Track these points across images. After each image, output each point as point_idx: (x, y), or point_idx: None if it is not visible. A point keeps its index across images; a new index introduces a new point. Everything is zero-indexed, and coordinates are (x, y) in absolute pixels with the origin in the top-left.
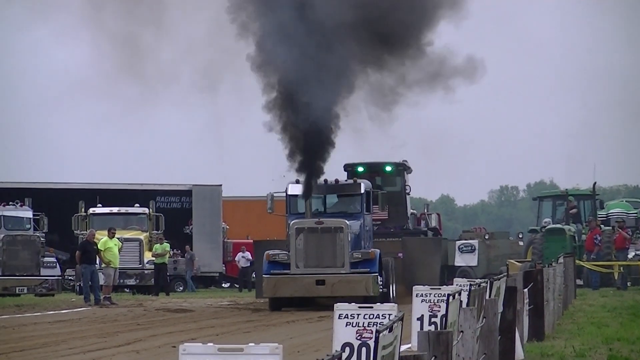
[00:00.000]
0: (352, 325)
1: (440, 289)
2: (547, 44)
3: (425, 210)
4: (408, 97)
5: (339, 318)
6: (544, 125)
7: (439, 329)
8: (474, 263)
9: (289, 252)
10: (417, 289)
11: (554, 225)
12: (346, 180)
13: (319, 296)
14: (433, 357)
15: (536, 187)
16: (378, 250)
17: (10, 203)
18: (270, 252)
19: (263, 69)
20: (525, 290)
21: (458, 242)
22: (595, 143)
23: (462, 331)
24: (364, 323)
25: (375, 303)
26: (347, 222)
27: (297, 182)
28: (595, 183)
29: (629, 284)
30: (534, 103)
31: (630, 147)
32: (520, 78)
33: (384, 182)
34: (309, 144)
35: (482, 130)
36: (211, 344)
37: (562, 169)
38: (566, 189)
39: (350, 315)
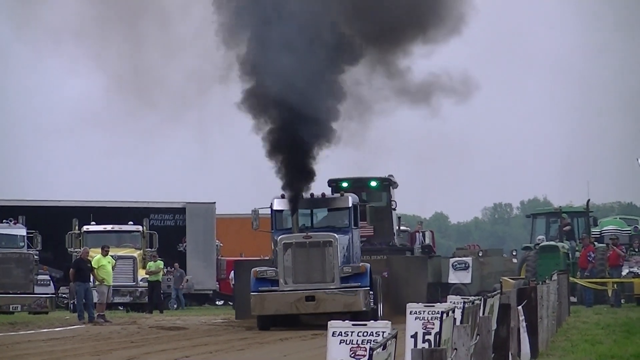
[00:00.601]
0: (345, 343)
1: (434, 306)
2: (541, 62)
3: (419, 228)
4: (395, 112)
5: (332, 335)
6: (538, 143)
7: (432, 346)
8: (468, 280)
9: (276, 268)
10: (411, 307)
11: (547, 243)
12: (333, 194)
13: (309, 313)
14: None
15: (530, 204)
16: (368, 265)
17: (4, 221)
18: (258, 268)
19: (251, 87)
20: (519, 307)
21: (452, 260)
22: (589, 160)
23: (455, 349)
24: (357, 340)
25: (368, 319)
26: (336, 236)
27: (283, 196)
28: (589, 200)
29: (622, 301)
30: (527, 120)
31: (623, 164)
32: (513, 95)
33: (369, 197)
34: (294, 157)
35: (476, 148)
36: None
37: (556, 186)
38: (560, 206)
39: (344, 333)
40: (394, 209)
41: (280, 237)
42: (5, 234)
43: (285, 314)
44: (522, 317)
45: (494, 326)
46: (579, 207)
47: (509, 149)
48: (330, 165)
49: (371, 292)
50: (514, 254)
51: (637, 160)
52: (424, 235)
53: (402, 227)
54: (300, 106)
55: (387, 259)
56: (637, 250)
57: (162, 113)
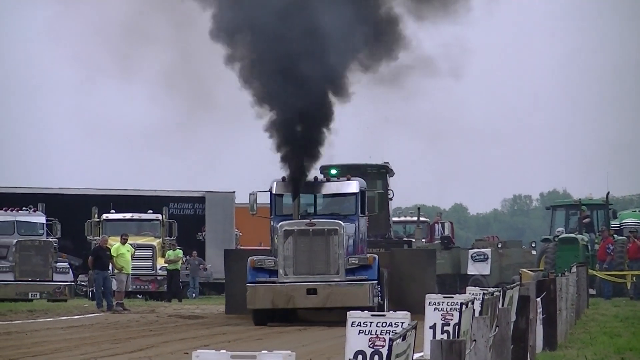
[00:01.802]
0: (364, 333)
1: (453, 297)
2: (561, 53)
3: (438, 219)
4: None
5: (351, 326)
6: (558, 135)
7: (451, 337)
8: (487, 272)
9: (276, 257)
10: (430, 297)
11: (566, 235)
12: (339, 178)
13: (310, 307)
14: None
15: (549, 196)
16: (376, 256)
17: (24, 208)
18: (256, 257)
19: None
20: (538, 299)
21: (471, 251)
22: (609, 153)
23: (474, 340)
24: (376, 331)
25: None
26: (342, 224)
27: (283, 179)
28: (608, 193)
29: None
30: (547, 113)
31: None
32: (532, 87)
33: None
34: (298, 134)
35: (496, 140)
36: (224, 351)
37: (576, 179)
38: (579, 199)
39: (363, 323)
40: (391, 199)
41: (280, 223)
42: (25, 222)
43: (283, 307)
44: (539, 310)
45: (513, 318)
46: (598, 200)
47: (529, 141)
48: (347, 153)
49: (378, 286)
50: (533, 245)
51: None
52: (443, 227)
53: (421, 218)
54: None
55: (390, 252)
56: None
57: (186, 106)
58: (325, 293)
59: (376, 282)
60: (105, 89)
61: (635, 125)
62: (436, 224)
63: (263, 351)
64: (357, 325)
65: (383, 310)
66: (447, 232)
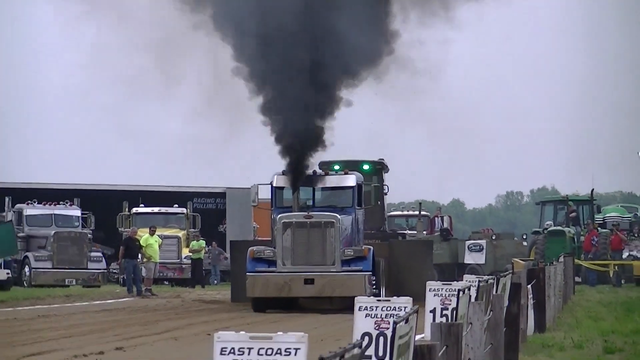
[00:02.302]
0: (370, 317)
1: (451, 284)
2: (550, 55)
3: (438, 213)
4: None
5: (359, 310)
6: (547, 135)
7: (450, 321)
8: (482, 261)
9: (274, 248)
10: (430, 284)
11: (555, 228)
12: (337, 172)
13: (307, 296)
14: (444, 347)
15: (539, 192)
16: (371, 248)
17: (61, 203)
18: (255, 248)
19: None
20: (529, 286)
21: (467, 242)
22: (594, 152)
23: (471, 323)
24: (381, 315)
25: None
26: (339, 217)
27: (283, 173)
28: (593, 189)
29: (623, 281)
30: (537, 115)
31: (625, 156)
32: (524, 89)
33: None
34: (297, 129)
35: (491, 141)
36: (243, 332)
37: (563, 176)
38: (566, 195)
39: (370, 307)
40: (386, 194)
41: (279, 216)
42: (62, 215)
43: (281, 296)
44: (530, 296)
45: (506, 303)
46: (584, 196)
47: (521, 142)
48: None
49: (373, 277)
50: (524, 237)
51: (638, 153)
52: (442, 220)
53: (422, 212)
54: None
55: (389, 244)
56: (637, 235)
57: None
58: (321, 283)
59: (371, 273)
60: (144, 99)
61: (618, 127)
62: (436, 218)
63: (279, 333)
64: (364, 309)
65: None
66: (446, 225)
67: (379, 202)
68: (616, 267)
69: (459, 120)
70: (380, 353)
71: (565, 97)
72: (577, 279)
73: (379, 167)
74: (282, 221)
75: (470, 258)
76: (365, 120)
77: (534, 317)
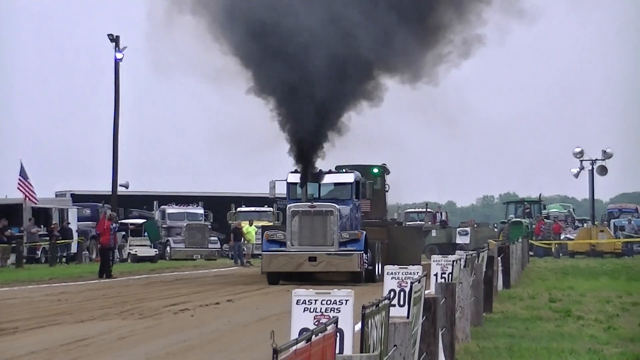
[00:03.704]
0: (395, 279)
1: (447, 257)
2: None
3: (438, 209)
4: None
5: (387, 274)
6: (510, 151)
7: (447, 281)
8: (468, 242)
9: (285, 232)
10: (434, 257)
11: (516, 219)
12: (339, 171)
13: (311, 271)
14: (444, 298)
15: (505, 196)
16: (364, 232)
17: (190, 204)
18: (269, 231)
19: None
20: (499, 258)
21: (458, 229)
22: (542, 166)
23: (461, 282)
24: (402, 277)
25: (362, 278)
26: (337, 206)
27: (296, 171)
28: (540, 194)
29: (560, 255)
30: (507, 134)
31: (563, 170)
32: (503, 112)
33: (369, 181)
34: (306, 138)
35: (472, 157)
36: (311, 290)
37: (521, 185)
38: (523, 198)
39: (394, 273)
40: (387, 191)
41: (289, 205)
42: (191, 212)
43: (290, 271)
44: (500, 265)
45: (484, 269)
46: (535, 198)
47: (494, 158)
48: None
49: (366, 256)
50: (495, 226)
51: (570, 170)
52: (441, 214)
53: (428, 209)
54: (313, 95)
55: (387, 229)
56: (569, 224)
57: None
58: (323, 260)
59: (363, 252)
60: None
61: (561, 142)
62: (437, 213)
63: (335, 289)
64: (390, 274)
65: (374, 275)
66: (443, 217)
67: (385, 193)
68: (556, 245)
69: (458, 140)
70: (402, 302)
71: (522, 124)
72: (531, 253)
73: (382, 171)
74: (291, 210)
75: (459, 239)
76: (382, 130)
77: (502, 279)
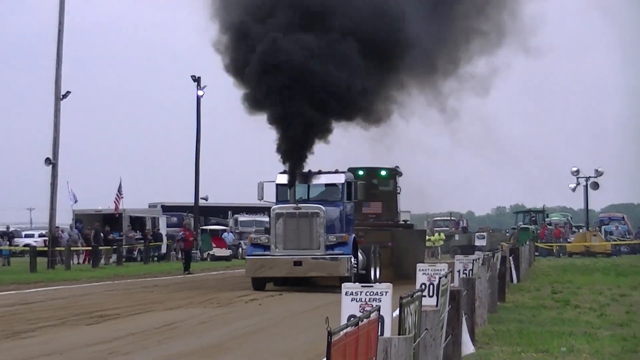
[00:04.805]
0: (425, 275)
1: (468, 257)
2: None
3: (460, 218)
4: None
5: (419, 270)
6: (520, 167)
7: (468, 276)
8: (484, 244)
9: (269, 235)
10: (457, 257)
11: (524, 226)
12: (329, 171)
13: (296, 276)
14: (465, 290)
15: (515, 207)
16: (353, 235)
17: (259, 214)
18: (253, 235)
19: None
20: (510, 257)
21: (476, 233)
22: (546, 180)
23: (479, 277)
24: (432, 273)
25: (351, 282)
26: (323, 208)
27: (284, 172)
28: (544, 205)
29: (560, 255)
30: (518, 154)
31: (563, 185)
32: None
33: (380, 183)
34: (294, 137)
35: (487, 172)
36: (357, 284)
37: (528, 197)
38: (529, 208)
39: (425, 269)
40: (399, 193)
41: (272, 207)
42: (259, 220)
43: (274, 276)
44: (511, 263)
45: (498, 266)
46: (539, 208)
47: (507, 173)
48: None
49: (355, 260)
50: (507, 231)
51: (568, 185)
52: (463, 222)
53: (452, 218)
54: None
55: (391, 232)
56: (568, 229)
57: None
58: (308, 265)
59: (350, 256)
60: None
61: (561, 163)
62: (460, 221)
63: (376, 283)
64: (421, 270)
65: (369, 279)
66: (464, 224)
67: (397, 195)
68: (557, 247)
69: (478, 160)
70: (431, 294)
71: (529, 147)
72: (536, 254)
73: (394, 173)
74: (275, 212)
75: (478, 242)
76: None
77: (513, 274)
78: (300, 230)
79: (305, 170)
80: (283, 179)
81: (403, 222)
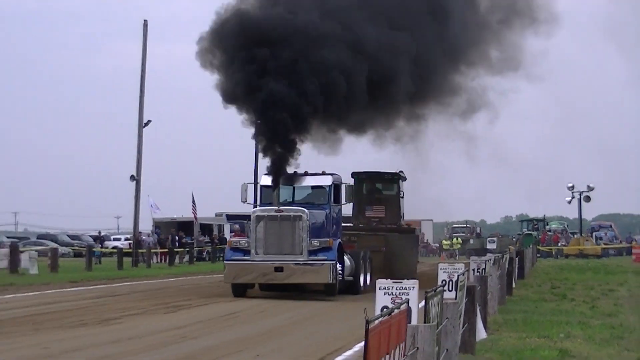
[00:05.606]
0: (445, 272)
1: (481, 258)
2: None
3: (474, 225)
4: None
5: (439, 268)
6: (524, 180)
7: (482, 274)
8: (495, 247)
9: (249, 239)
10: (473, 259)
11: (527, 232)
12: (315, 173)
13: (277, 282)
14: (479, 286)
15: (520, 216)
16: (339, 240)
17: None
18: (233, 239)
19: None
20: (517, 258)
21: (488, 238)
22: (547, 191)
23: (491, 275)
24: (451, 271)
25: (335, 290)
26: (306, 211)
27: (268, 173)
28: (544, 215)
29: (558, 256)
30: (525, 166)
31: (561, 198)
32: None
33: (383, 187)
34: (277, 134)
35: (497, 184)
36: (389, 280)
37: (531, 208)
38: (532, 217)
39: (445, 267)
40: (402, 198)
41: (253, 210)
42: None
43: (254, 282)
44: (517, 263)
45: (507, 266)
46: (540, 217)
47: (515, 187)
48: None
49: (340, 265)
50: (514, 237)
51: (565, 198)
52: (477, 229)
53: (467, 225)
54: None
55: (385, 237)
56: (564, 235)
57: None
58: (289, 270)
59: (335, 262)
60: None
61: (559, 179)
62: (474, 228)
63: (404, 280)
64: (442, 268)
65: (357, 286)
66: (478, 231)
67: (401, 199)
68: (555, 250)
69: (491, 175)
70: (451, 289)
71: (532, 165)
72: (538, 255)
73: (397, 177)
74: (256, 214)
75: (489, 246)
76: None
77: (518, 272)
78: (282, 234)
79: (291, 171)
80: (267, 180)
81: (406, 226)
